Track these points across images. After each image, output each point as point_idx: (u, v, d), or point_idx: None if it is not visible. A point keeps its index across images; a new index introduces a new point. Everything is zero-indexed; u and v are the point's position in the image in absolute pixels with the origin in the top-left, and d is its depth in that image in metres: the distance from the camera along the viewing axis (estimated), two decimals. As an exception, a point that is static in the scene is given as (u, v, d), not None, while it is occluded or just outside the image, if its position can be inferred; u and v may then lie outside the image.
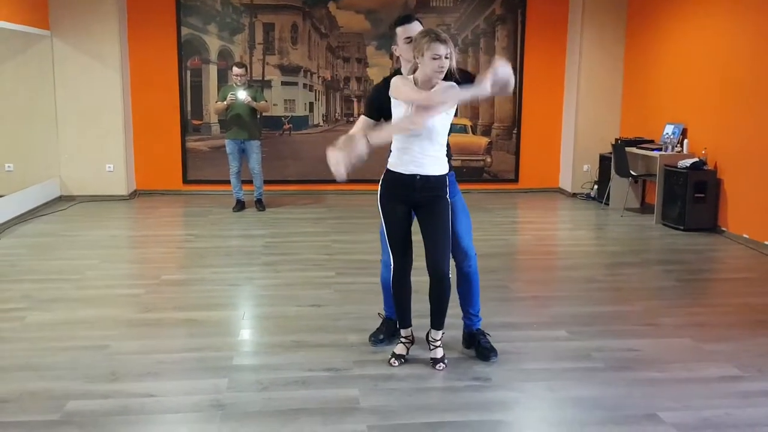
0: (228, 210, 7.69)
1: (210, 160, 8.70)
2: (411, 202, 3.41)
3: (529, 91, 9.04)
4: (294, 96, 8.79)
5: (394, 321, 3.78)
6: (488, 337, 3.71)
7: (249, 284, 5.01)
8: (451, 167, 3.50)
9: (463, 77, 3.33)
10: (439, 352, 3.53)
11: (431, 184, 3.35)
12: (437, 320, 3.51)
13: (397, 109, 3.32)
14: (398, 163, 3.38)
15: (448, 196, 3.42)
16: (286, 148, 8.84)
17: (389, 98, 3.33)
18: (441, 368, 3.50)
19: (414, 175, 3.34)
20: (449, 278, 3.43)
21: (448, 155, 3.49)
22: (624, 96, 8.69)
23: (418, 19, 3.51)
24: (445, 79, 3.30)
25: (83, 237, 6.41)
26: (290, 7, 8.60)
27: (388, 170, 3.44)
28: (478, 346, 3.65)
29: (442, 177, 3.39)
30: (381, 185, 3.47)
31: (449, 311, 3.51)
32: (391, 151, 3.42)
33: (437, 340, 3.54)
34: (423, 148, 3.30)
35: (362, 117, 3.52)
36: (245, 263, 5.58)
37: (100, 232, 6.63)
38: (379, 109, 3.42)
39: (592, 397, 3.23)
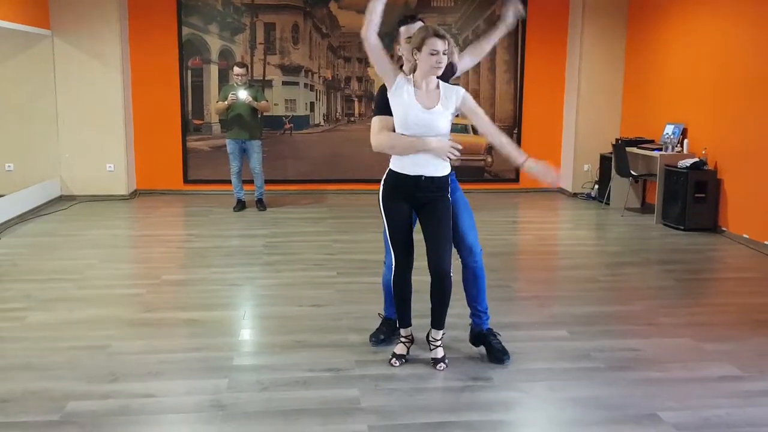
0: (229, 210, 7.69)
1: (211, 159, 8.71)
2: (414, 202, 3.42)
3: (530, 90, 9.04)
4: (295, 96, 8.79)
5: (393, 321, 3.79)
6: (499, 337, 3.67)
7: (250, 284, 5.01)
8: (451, 166, 3.51)
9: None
10: (439, 352, 3.54)
11: (435, 184, 3.36)
12: (438, 320, 3.51)
13: (396, 104, 3.32)
14: (402, 164, 3.37)
15: (449, 195, 3.43)
16: (287, 148, 8.84)
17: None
18: (442, 368, 3.50)
19: (419, 176, 3.33)
20: (451, 277, 3.43)
21: None
22: (624, 96, 8.68)
23: (421, 20, 3.51)
24: (444, 77, 3.33)
25: (84, 237, 6.41)
26: (291, 6, 8.60)
27: (391, 171, 3.43)
28: (489, 347, 3.62)
29: (446, 177, 3.40)
30: (383, 186, 3.47)
31: (450, 311, 3.52)
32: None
33: (437, 340, 3.54)
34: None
35: (380, 117, 3.40)
36: (246, 263, 5.58)
37: (100, 231, 6.63)
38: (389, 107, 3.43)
39: (592, 397, 3.23)
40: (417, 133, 3.29)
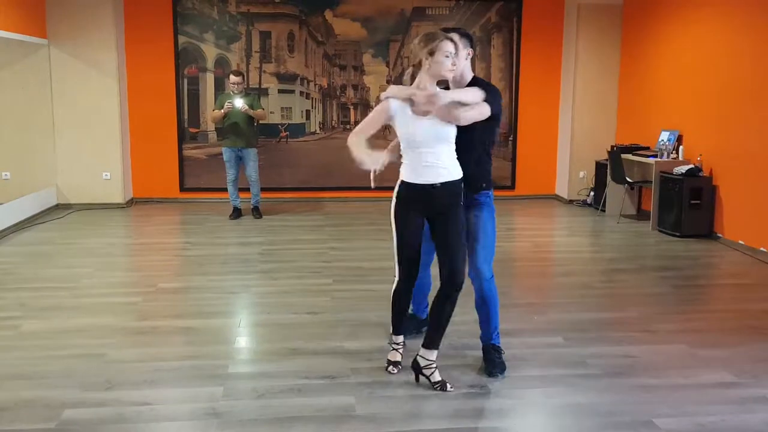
0: (225, 218, 7.69)
1: (207, 167, 8.71)
2: (427, 212, 3.33)
3: (525, 98, 9.07)
4: (291, 104, 8.81)
5: (418, 318, 3.90)
6: (502, 354, 3.60)
7: (246, 292, 5.01)
8: (490, 184, 3.46)
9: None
10: (437, 376, 3.37)
11: (449, 191, 3.26)
12: (434, 337, 3.36)
13: (401, 125, 3.27)
14: (414, 174, 3.28)
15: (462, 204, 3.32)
16: (282, 156, 8.85)
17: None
18: (446, 389, 3.33)
19: (432, 185, 3.24)
20: (459, 292, 3.30)
21: (487, 169, 3.45)
22: (619, 103, 8.71)
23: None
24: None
25: (80, 245, 6.40)
26: (287, 15, 8.63)
27: (403, 183, 3.34)
28: (487, 359, 3.57)
29: (459, 182, 3.30)
30: (396, 200, 3.37)
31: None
32: (402, 162, 3.35)
33: (431, 362, 3.37)
34: (438, 156, 3.23)
35: None
36: (242, 271, 5.58)
37: (96, 240, 6.63)
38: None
39: (587, 404, 3.23)
40: (427, 143, 3.21)
